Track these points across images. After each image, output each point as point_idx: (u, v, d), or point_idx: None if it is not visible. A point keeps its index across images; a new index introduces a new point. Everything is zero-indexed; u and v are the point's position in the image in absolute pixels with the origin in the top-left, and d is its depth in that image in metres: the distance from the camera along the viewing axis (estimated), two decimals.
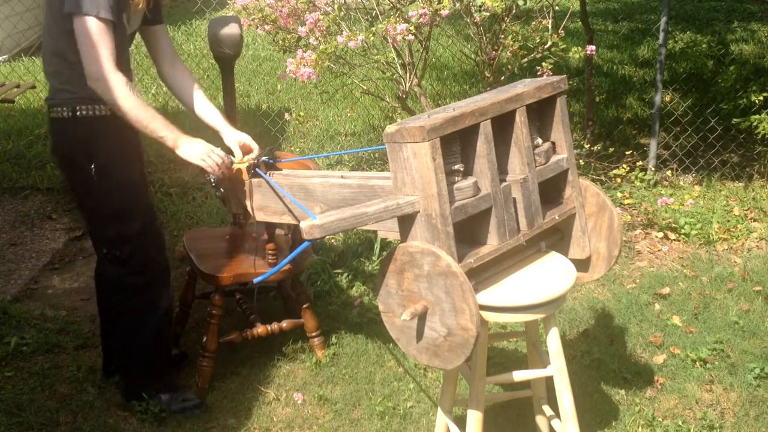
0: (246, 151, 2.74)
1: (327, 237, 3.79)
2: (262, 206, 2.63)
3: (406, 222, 2.00)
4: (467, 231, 2.12)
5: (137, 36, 2.81)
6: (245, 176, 2.64)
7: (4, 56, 7.90)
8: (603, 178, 4.71)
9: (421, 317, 1.98)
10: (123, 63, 2.59)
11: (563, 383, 2.25)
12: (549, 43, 3.83)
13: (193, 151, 2.57)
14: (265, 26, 3.80)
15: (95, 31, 2.42)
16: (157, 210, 4.47)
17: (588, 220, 2.37)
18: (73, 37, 2.48)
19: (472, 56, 4.83)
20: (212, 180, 2.76)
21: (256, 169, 2.62)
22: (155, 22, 2.80)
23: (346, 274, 3.72)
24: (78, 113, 2.57)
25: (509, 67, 4.13)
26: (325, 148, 5.34)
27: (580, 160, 4.64)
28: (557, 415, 2.37)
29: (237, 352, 3.23)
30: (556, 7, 3.95)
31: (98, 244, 2.80)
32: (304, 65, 3.42)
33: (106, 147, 2.61)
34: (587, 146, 4.79)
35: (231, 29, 3.31)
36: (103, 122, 2.58)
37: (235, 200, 2.73)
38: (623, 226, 2.63)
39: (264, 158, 2.65)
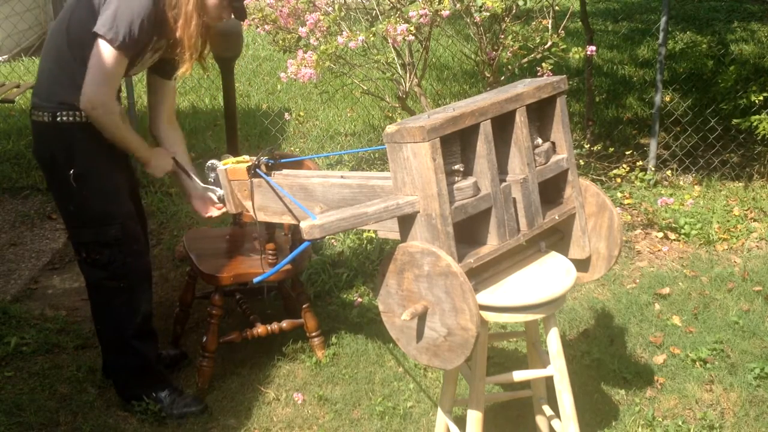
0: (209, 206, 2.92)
1: (327, 237, 3.80)
2: (262, 206, 2.63)
3: (406, 222, 2.00)
4: (467, 231, 2.12)
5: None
6: (245, 176, 2.64)
7: (4, 56, 7.91)
8: (603, 178, 4.71)
9: (421, 317, 1.98)
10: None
11: (563, 383, 2.25)
12: (549, 44, 3.83)
13: (161, 169, 2.78)
14: (265, 26, 3.81)
15: (113, 61, 2.47)
16: (157, 210, 4.48)
17: (588, 220, 2.37)
18: (82, 49, 2.50)
19: (472, 56, 4.83)
20: (212, 179, 2.76)
21: (256, 170, 2.62)
22: (170, 76, 2.83)
23: (346, 274, 3.72)
24: (58, 118, 2.57)
25: (509, 67, 4.13)
26: (325, 148, 5.34)
27: (580, 160, 4.64)
28: (557, 415, 2.37)
29: (237, 352, 3.23)
30: (556, 7, 3.95)
31: (77, 247, 2.80)
32: (305, 66, 3.42)
33: (86, 153, 2.61)
34: (587, 146, 4.79)
35: (231, 29, 3.31)
36: (84, 128, 2.58)
37: (235, 200, 2.73)
38: (623, 226, 2.63)
39: (264, 159, 2.65)
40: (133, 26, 2.45)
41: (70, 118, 2.58)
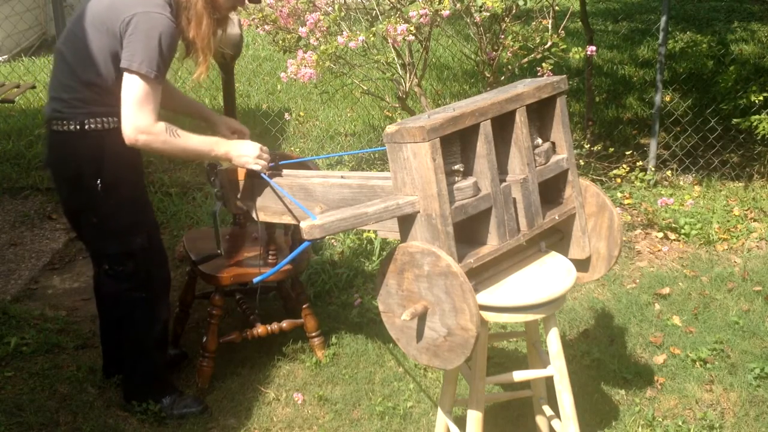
0: (241, 135, 2.87)
1: (327, 237, 3.80)
2: (262, 206, 2.63)
3: (406, 222, 2.00)
4: (467, 231, 2.12)
5: None
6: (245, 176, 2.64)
7: (4, 56, 7.90)
8: (603, 178, 4.71)
9: (421, 317, 1.98)
10: None
11: (563, 383, 2.25)
12: (549, 44, 3.83)
13: (245, 156, 2.58)
14: (265, 26, 3.81)
15: (148, 90, 2.42)
16: (157, 210, 4.47)
17: (588, 220, 2.37)
18: (111, 75, 2.47)
19: (472, 56, 4.83)
20: (212, 179, 2.76)
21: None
22: None
23: (346, 274, 3.72)
24: (87, 126, 2.51)
25: (509, 67, 4.13)
26: (325, 148, 5.34)
27: (580, 160, 4.64)
28: (557, 415, 2.37)
29: (237, 352, 3.23)
30: (556, 7, 3.95)
31: (99, 259, 2.75)
32: (305, 66, 3.42)
33: (113, 161, 2.55)
34: (587, 146, 4.79)
35: (231, 29, 3.31)
36: (112, 135, 2.52)
37: (235, 200, 2.73)
38: (623, 226, 2.63)
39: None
40: (163, 53, 2.42)
41: (99, 126, 2.52)
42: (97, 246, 2.73)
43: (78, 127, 2.52)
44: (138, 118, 2.42)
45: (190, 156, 2.59)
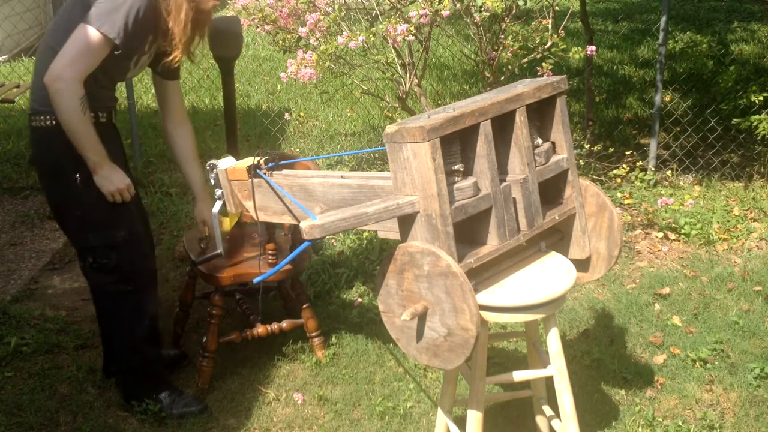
0: (201, 227, 2.99)
1: (327, 237, 3.80)
2: (262, 206, 2.63)
3: (406, 222, 2.00)
4: (467, 231, 2.12)
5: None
6: (245, 176, 2.64)
7: (4, 56, 7.91)
8: (603, 178, 4.71)
9: (421, 317, 1.98)
10: (110, 89, 2.63)
11: (563, 383, 2.25)
12: (549, 44, 3.83)
13: (110, 181, 2.58)
14: (265, 26, 3.80)
15: (91, 42, 2.41)
16: (157, 210, 4.48)
17: (588, 220, 2.37)
18: None
19: (472, 56, 4.83)
20: (212, 179, 2.76)
21: (257, 170, 2.61)
22: (171, 77, 2.82)
23: (346, 274, 3.72)
24: None
25: (509, 67, 4.13)
26: (325, 148, 5.34)
27: (580, 160, 4.64)
28: (557, 415, 2.37)
29: (237, 352, 3.23)
30: (556, 7, 3.95)
31: (83, 253, 2.76)
32: (305, 66, 3.42)
33: None
34: (587, 146, 4.79)
35: (231, 29, 3.31)
36: None
37: (235, 201, 2.73)
38: (623, 226, 2.63)
39: (266, 162, 2.65)
40: (127, 22, 2.42)
41: None
42: (80, 239, 2.74)
43: (54, 122, 2.53)
44: (69, 67, 2.40)
45: (73, 139, 2.50)
